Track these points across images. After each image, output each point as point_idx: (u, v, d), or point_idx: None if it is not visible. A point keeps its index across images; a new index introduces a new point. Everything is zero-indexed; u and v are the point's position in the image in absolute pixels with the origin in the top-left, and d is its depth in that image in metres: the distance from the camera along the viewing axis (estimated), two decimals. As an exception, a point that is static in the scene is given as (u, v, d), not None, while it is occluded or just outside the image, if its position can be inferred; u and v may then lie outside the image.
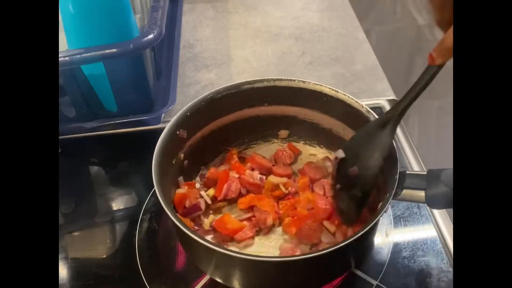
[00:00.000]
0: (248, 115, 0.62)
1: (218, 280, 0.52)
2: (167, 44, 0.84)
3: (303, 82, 0.59)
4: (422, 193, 0.49)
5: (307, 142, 0.64)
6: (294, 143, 0.65)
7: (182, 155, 0.57)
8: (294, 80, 0.59)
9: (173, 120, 0.55)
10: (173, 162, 0.55)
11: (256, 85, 0.59)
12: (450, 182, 0.48)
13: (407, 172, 0.51)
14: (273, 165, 0.63)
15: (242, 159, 0.63)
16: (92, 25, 0.62)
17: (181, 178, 0.58)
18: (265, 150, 0.65)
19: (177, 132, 0.55)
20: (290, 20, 0.94)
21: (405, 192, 0.50)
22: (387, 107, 0.75)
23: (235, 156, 0.62)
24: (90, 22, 0.62)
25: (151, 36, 0.63)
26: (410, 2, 1.59)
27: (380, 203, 0.49)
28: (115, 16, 0.63)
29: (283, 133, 0.65)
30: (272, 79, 0.59)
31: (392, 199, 0.48)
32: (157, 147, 0.52)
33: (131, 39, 0.64)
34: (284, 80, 0.60)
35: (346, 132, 0.59)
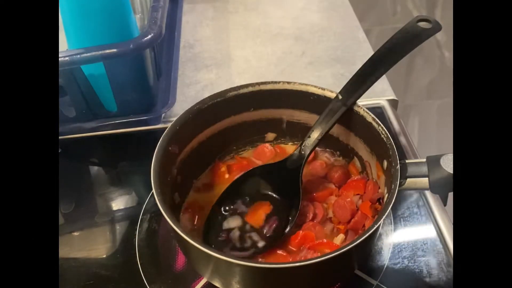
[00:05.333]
0: (235, 122, 0.61)
1: (217, 285, 0.52)
2: (167, 44, 0.84)
3: (288, 83, 0.59)
4: (425, 180, 0.50)
5: (296, 142, 0.64)
6: (282, 145, 0.65)
7: (175, 171, 0.56)
8: (279, 82, 0.59)
9: (163, 136, 0.54)
10: (168, 179, 0.55)
11: (241, 91, 0.59)
12: (450, 166, 0.48)
13: (407, 161, 0.51)
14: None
15: (229, 167, 0.63)
16: (92, 25, 0.62)
17: (176, 195, 0.57)
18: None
19: (169, 148, 0.55)
20: (290, 20, 0.94)
21: (409, 181, 0.50)
22: (387, 107, 0.75)
23: (222, 169, 0.62)
24: (90, 22, 0.62)
25: (151, 36, 0.63)
26: (410, 2, 1.59)
27: (386, 196, 0.50)
28: (115, 16, 0.63)
29: (270, 136, 0.64)
30: (257, 84, 0.59)
31: (397, 189, 0.48)
32: (153, 166, 0.51)
33: (131, 39, 0.64)
34: (269, 83, 0.59)
35: (336, 129, 0.59)
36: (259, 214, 0.56)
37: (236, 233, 0.55)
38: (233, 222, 0.56)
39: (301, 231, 0.54)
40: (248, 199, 0.58)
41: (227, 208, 0.57)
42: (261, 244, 0.54)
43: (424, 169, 0.50)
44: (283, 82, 0.59)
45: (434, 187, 0.50)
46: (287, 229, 0.55)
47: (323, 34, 0.90)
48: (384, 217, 0.47)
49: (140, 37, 0.64)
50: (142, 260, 0.57)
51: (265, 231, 0.55)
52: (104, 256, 0.58)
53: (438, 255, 0.56)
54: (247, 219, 0.56)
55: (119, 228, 0.62)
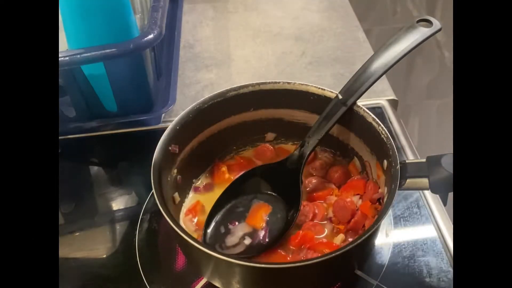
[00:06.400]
0: (235, 122, 0.61)
1: (217, 285, 0.52)
2: (167, 44, 0.84)
3: (288, 83, 0.59)
4: (425, 180, 0.49)
5: (296, 142, 0.64)
6: (282, 145, 0.65)
7: (175, 171, 0.56)
8: (279, 82, 0.59)
9: (163, 136, 0.54)
10: (168, 179, 0.55)
11: (242, 91, 0.59)
12: (451, 166, 0.48)
13: (407, 161, 0.51)
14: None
15: (229, 167, 0.63)
16: (92, 25, 0.62)
17: (176, 195, 0.57)
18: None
19: (169, 148, 0.55)
20: (290, 20, 0.94)
21: (409, 181, 0.50)
22: (387, 107, 0.75)
23: (223, 169, 0.62)
24: (90, 22, 0.62)
25: (151, 36, 0.63)
26: (410, 2, 1.59)
27: (386, 196, 0.50)
28: (115, 16, 0.63)
29: (270, 135, 0.64)
30: (257, 84, 0.59)
31: (397, 189, 0.48)
32: (153, 166, 0.51)
33: (131, 39, 0.64)
34: (269, 83, 0.59)
35: (336, 129, 0.59)
36: (260, 215, 0.56)
37: (236, 233, 0.55)
38: (234, 227, 0.56)
39: (301, 231, 0.54)
40: (246, 202, 0.58)
41: (226, 213, 0.57)
42: (261, 244, 0.54)
43: (424, 169, 0.50)
44: (283, 82, 0.59)
45: (434, 187, 0.50)
46: (287, 229, 0.55)
47: (323, 34, 0.90)
48: (384, 217, 0.47)
49: (140, 37, 0.64)
50: (142, 260, 0.57)
51: (261, 236, 0.55)
52: (104, 256, 0.58)
53: (438, 255, 0.56)
54: (248, 222, 0.56)
55: (119, 228, 0.62)
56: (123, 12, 0.64)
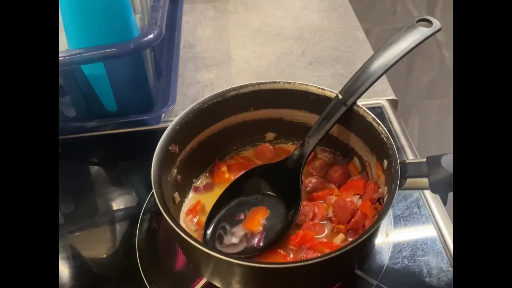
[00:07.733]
0: (235, 122, 0.61)
1: (217, 285, 0.52)
2: (167, 44, 0.84)
3: (288, 83, 0.59)
4: (425, 180, 0.50)
5: (296, 142, 0.64)
6: (282, 145, 0.65)
7: (175, 171, 0.56)
8: (279, 82, 0.59)
9: (163, 136, 0.54)
10: (168, 179, 0.55)
11: (242, 90, 0.59)
12: (451, 166, 0.48)
13: (407, 161, 0.51)
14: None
15: (229, 167, 0.63)
16: (92, 25, 0.62)
17: (176, 195, 0.57)
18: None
19: (169, 148, 0.55)
20: (290, 20, 0.94)
21: (409, 181, 0.50)
22: (387, 106, 0.75)
23: (223, 169, 0.62)
24: (90, 22, 0.62)
25: (151, 36, 0.63)
26: (410, 2, 1.59)
27: (386, 196, 0.50)
28: (115, 16, 0.63)
29: (270, 135, 0.64)
30: (257, 83, 0.59)
31: (397, 189, 0.48)
32: (153, 166, 0.51)
33: (131, 39, 0.64)
34: (269, 83, 0.59)
35: (336, 129, 0.59)
36: (257, 219, 0.56)
37: (236, 234, 0.55)
38: (234, 227, 0.56)
39: (301, 231, 0.54)
40: (246, 202, 0.57)
41: (226, 214, 0.57)
42: (260, 245, 0.54)
43: (424, 169, 0.50)
44: (283, 82, 0.59)
45: (434, 187, 0.50)
46: (287, 229, 0.55)
47: (323, 34, 0.90)
48: (384, 217, 0.47)
49: (140, 37, 0.64)
50: (142, 260, 0.57)
51: (260, 238, 0.55)
52: (104, 256, 0.58)
53: (438, 255, 0.56)
54: (245, 225, 0.56)
55: (119, 228, 0.62)
56: (123, 12, 0.64)
